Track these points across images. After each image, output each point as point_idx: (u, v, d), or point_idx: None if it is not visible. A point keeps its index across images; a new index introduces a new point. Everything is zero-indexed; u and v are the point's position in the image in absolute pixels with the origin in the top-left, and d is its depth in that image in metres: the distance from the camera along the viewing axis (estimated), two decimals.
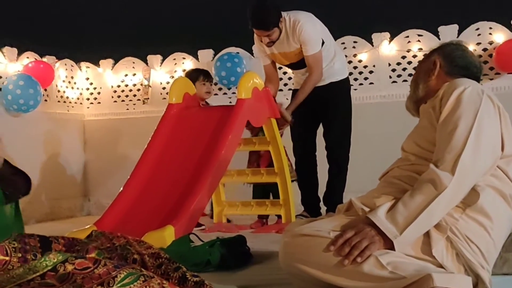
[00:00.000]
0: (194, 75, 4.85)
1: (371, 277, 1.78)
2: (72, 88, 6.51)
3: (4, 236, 1.38)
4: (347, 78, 4.60)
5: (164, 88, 6.36)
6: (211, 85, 4.93)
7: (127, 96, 6.57)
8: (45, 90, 5.92)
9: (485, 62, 5.29)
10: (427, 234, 1.87)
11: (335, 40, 5.72)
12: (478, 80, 2.20)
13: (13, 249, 1.34)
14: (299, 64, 4.41)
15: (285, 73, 5.82)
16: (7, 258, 1.32)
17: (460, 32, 5.35)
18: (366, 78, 5.71)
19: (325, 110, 4.45)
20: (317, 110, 4.45)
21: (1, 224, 1.44)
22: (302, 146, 4.55)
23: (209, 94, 4.95)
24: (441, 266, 1.84)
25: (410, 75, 5.42)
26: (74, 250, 1.42)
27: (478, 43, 5.35)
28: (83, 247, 1.44)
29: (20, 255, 1.34)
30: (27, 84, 5.32)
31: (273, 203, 4.53)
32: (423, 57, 2.41)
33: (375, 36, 5.68)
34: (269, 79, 4.61)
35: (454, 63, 2.21)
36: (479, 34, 5.36)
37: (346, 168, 4.48)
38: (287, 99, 4.67)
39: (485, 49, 5.33)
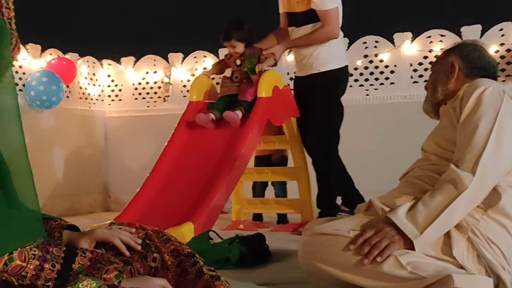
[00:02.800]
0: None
1: (390, 277, 1.78)
2: (94, 85, 6.57)
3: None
4: (335, 70, 4.04)
5: (184, 86, 6.40)
6: (233, 47, 4.29)
7: (147, 93, 6.61)
8: (67, 86, 5.98)
9: (509, 63, 5.23)
10: (447, 235, 1.86)
11: (356, 39, 5.75)
12: (495, 79, 2.18)
13: (32, 256, 1.33)
14: (298, 17, 4.07)
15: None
16: (23, 264, 1.32)
17: (483, 32, 5.30)
18: (387, 78, 5.69)
19: (304, 106, 4.11)
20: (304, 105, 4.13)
21: None
22: (306, 145, 4.24)
23: (237, 54, 4.31)
24: (461, 267, 1.82)
25: None
26: (96, 268, 1.42)
27: (502, 44, 5.29)
28: (105, 265, 1.43)
29: (37, 263, 1.33)
30: (50, 80, 5.38)
31: (292, 202, 4.54)
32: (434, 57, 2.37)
33: (397, 36, 5.65)
34: (280, 28, 4.37)
35: (473, 65, 2.18)
36: (502, 35, 5.31)
37: (333, 176, 4.04)
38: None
39: (508, 50, 5.28)
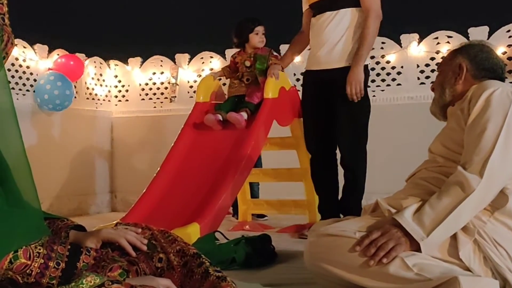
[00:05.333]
0: (249, 26, 4.18)
1: (396, 279, 1.78)
2: (101, 85, 6.58)
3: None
4: (365, 66, 3.69)
5: (191, 86, 6.40)
6: (263, 34, 4.20)
7: (154, 94, 6.62)
8: (75, 87, 5.99)
9: None
10: (454, 237, 1.86)
11: None
12: (503, 80, 2.18)
13: (37, 254, 1.34)
14: (327, 2, 3.69)
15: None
16: (28, 262, 1.32)
17: (490, 33, 5.28)
18: (394, 79, 5.68)
19: (333, 102, 3.66)
20: (329, 99, 3.69)
21: None
22: (317, 142, 3.83)
23: (263, 43, 4.21)
24: (468, 269, 1.82)
25: None
26: (100, 266, 1.43)
27: (509, 45, 5.27)
28: (109, 264, 1.44)
29: (42, 261, 1.33)
30: (64, 85, 5.48)
31: (297, 203, 4.54)
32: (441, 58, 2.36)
33: (403, 37, 5.64)
34: (301, 31, 4.07)
35: (481, 66, 2.17)
36: (510, 36, 5.28)
37: (363, 174, 3.75)
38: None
39: None
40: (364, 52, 3.59)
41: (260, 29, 4.13)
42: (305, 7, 3.99)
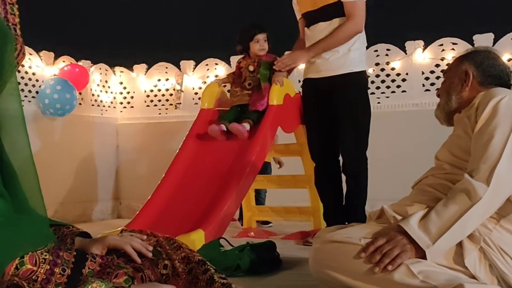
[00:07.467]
0: (249, 33, 4.18)
1: (401, 286, 1.77)
2: (106, 92, 6.60)
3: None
4: (364, 72, 3.76)
5: (196, 93, 6.42)
6: (265, 41, 4.16)
7: (159, 100, 6.64)
8: (80, 93, 6.01)
9: None
10: (459, 244, 1.85)
11: (367, 47, 5.73)
12: (509, 87, 2.17)
13: (43, 260, 1.34)
14: (319, 14, 3.70)
15: None
16: (34, 268, 1.32)
17: (495, 40, 5.28)
18: (398, 86, 5.68)
19: (334, 109, 3.69)
20: (330, 107, 3.72)
21: None
22: (320, 150, 3.85)
23: (264, 51, 4.17)
24: (473, 277, 1.81)
25: None
26: (105, 272, 1.43)
27: None
28: (115, 270, 1.44)
29: (48, 267, 1.34)
30: (64, 88, 5.44)
31: (302, 210, 4.54)
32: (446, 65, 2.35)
33: (408, 44, 5.65)
34: (299, 39, 4.03)
35: (488, 73, 2.16)
36: None
37: (365, 180, 3.73)
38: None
39: None
40: (321, 46, 3.64)
41: (260, 36, 4.10)
42: (298, 15, 4.00)
